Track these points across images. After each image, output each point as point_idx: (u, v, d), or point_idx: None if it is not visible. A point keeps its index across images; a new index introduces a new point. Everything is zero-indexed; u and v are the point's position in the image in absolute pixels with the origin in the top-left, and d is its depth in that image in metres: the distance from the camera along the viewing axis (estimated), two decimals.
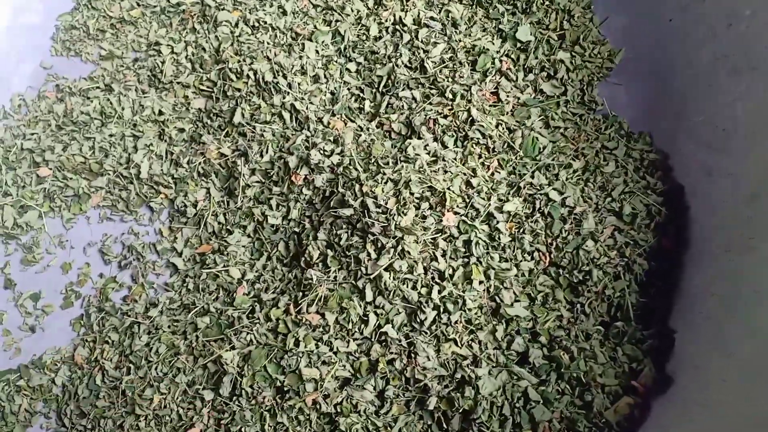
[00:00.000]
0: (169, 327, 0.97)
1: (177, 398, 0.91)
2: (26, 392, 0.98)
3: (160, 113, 1.12)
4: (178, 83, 1.14)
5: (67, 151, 1.11)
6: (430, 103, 0.97)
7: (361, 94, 1.06)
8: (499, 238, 0.84)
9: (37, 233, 1.11)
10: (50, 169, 1.11)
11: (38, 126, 1.16)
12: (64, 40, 1.25)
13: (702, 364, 0.69)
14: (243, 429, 0.86)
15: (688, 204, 0.83)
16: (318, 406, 0.84)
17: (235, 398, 0.88)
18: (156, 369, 0.93)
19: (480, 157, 0.92)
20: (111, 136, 1.11)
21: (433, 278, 0.84)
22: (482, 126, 0.92)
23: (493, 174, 0.90)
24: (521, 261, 0.84)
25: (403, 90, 1.00)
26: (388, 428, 0.81)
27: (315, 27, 1.11)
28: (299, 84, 1.05)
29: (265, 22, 1.13)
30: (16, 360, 1.02)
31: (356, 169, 0.93)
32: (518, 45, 1.00)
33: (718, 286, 0.72)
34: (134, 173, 1.08)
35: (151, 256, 1.06)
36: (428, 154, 0.93)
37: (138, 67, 1.18)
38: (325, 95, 1.06)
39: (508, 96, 0.96)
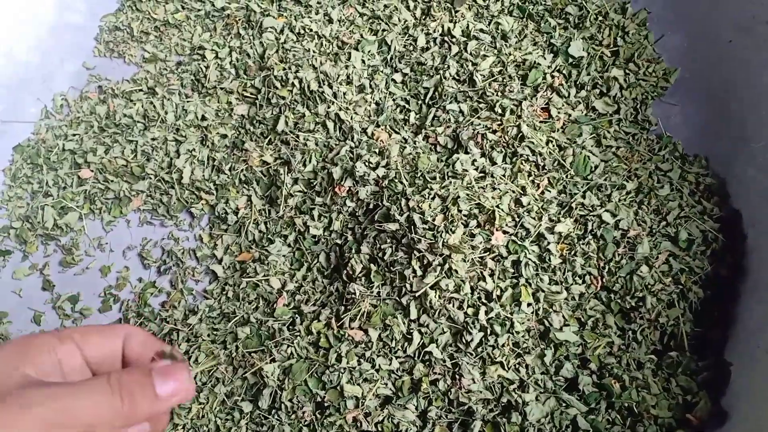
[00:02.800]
0: (208, 335, 0.96)
1: (215, 408, 0.90)
2: None
3: (203, 118, 1.12)
4: (221, 89, 1.13)
5: (109, 154, 1.11)
6: (479, 117, 0.95)
7: (407, 106, 1.04)
8: (549, 260, 0.83)
9: (76, 235, 1.11)
10: (92, 170, 1.11)
11: (80, 127, 1.16)
12: (107, 41, 1.25)
13: (760, 402, 0.67)
14: None
15: (745, 232, 0.81)
16: (359, 424, 0.83)
17: (274, 411, 0.87)
18: (195, 378, 0.93)
19: (530, 174, 0.90)
20: (153, 139, 1.11)
21: (480, 298, 0.82)
22: (532, 143, 0.91)
23: (543, 192, 0.88)
24: (572, 284, 0.82)
25: (450, 103, 0.99)
26: None
27: (361, 36, 1.10)
28: (344, 93, 1.04)
29: (311, 30, 1.12)
30: None
31: (402, 183, 0.92)
32: (570, 60, 0.98)
33: None
34: (176, 178, 1.08)
35: (190, 262, 1.06)
36: (476, 170, 0.91)
37: (181, 71, 1.18)
38: (370, 106, 1.05)
39: (559, 112, 0.94)
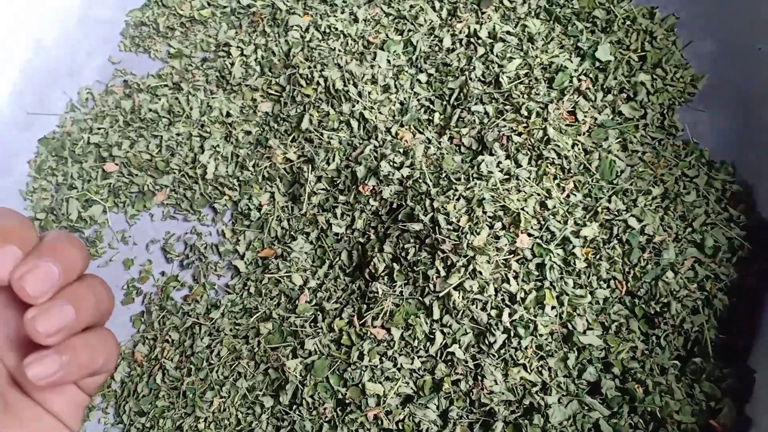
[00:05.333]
0: (231, 330, 0.97)
1: (237, 403, 0.91)
2: None
3: (228, 115, 1.12)
4: (246, 86, 1.14)
5: (134, 148, 1.11)
6: (504, 120, 0.95)
7: (431, 106, 1.04)
8: (574, 264, 0.83)
9: (100, 228, 1.12)
10: (116, 164, 1.12)
11: (105, 121, 1.17)
12: (133, 36, 1.26)
13: None
14: None
15: None
16: (379, 422, 0.83)
17: (295, 407, 0.88)
18: (217, 372, 0.93)
19: (555, 177, 0.90)
20: (178, 135, 1.11)
21: (503, 300, 0.83)
22: (558, 146, 0.91)
23: (568, 196, 0.88)
24: (596, 288, 0.82)
25: (475, 104, 0.99)
26: None
27: (387, 36, 1.10)
28: (369, 93, 1.05)
29: (337, 29, 1.12)
30: None
31: (426, 183, 0.92)
32: (597, 64, 0.98)
33: None
34: (200, 173, 1.08)
35: (212, 257, 1.07)
36: (501, 171, 0.91)
37: (206, 68, 1.18)
38: (394, 105, 1.05)
39: (585, 116, 0.94)
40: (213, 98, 1.14)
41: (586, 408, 0.76)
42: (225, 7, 1.22)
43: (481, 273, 0.83)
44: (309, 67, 1.08)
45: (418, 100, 1.05)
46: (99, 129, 1.16)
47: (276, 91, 1.12)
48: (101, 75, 1.25)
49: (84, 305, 0.38)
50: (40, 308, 0.36)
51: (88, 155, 1.14)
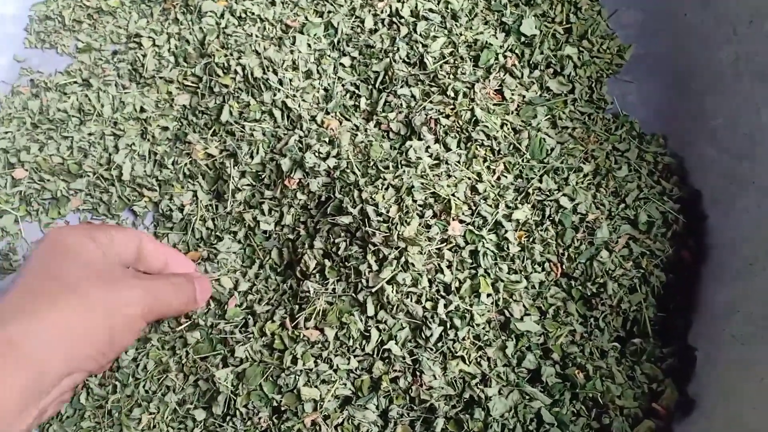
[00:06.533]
0: (158, 340, 0.91)
1: (167, 418, 0.86)
2: None
3: (142, 110, 1.06)
4: (160, 78, 1.07)
5: (43, 152, 1.04)
6: (431, 102, 0.92)
7: (357, 91, 1.00)
8: (507, 248, 0.80)
9: (13, 239, 1.04)
10: (26, 170, 1.04)
11: (12, 124, 1.08)
12: (38, 31, 1.18)
13: (729, 388, 0.65)
14: None
15: (706, 213, 0.79)
16: (318, 428, 0.79)
17: (228, 418, 0.83)
18: (144, 387, 0.88)
19: (485, 160, 0.87)
20: (90, 134, 1.04)
21: (438, 291, 0.79)
22: (486, 126, 0.87)
23: (499, 178, 0.86)
24: (531, 272, 0.80)
25: (401, 87, 0.95)
26: None
27: (306, 18, 1.05)
28: (290, 80, 0.99)
29: (253, 13, 1.06)
30: None
31: (354, 174, 0.88)
32: (522, 39, 0.95)
33: (744, 303, 0.68)
34: (116, 175, 1.02)
35: None
36: (430, 156, 0.88)
37: (117, 61, 1.11)
38: (318, 92, 1.00)
39: (512, 94, 0.91)
40: (126, 93, 1.07)
41: (527, 398, 0.74)
42: None
43: (413, 264, 0.79)
44: (225, 56, 1.02)
45: (343, 85, 1.01)
46: (6, 133, 1.08)
47: (192, 82, 1.06)
48: (7, 75, 1.16)
49: None
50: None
51: None
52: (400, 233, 0.80)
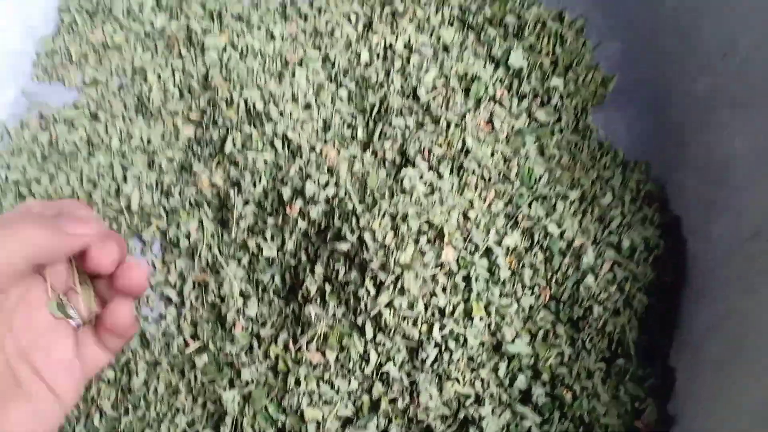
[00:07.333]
0: (168, 364, 0.95)
1: None
2: None
3: (149, 142, 1.10)
4: (166, 110, 1.12)
5: (54, 183, 1.08)
6: (424, 131, 0.96)
7: (354, 122, 1.04)
8: (498, 273, 0.84)
9: None
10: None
11: (22, 156, 1.13)
12: (45, 65, 1.22)
13: (706, 407, 0.69)
14: None
15: (685, 237, 0.83)
16: None
17: None
18: (155, 409, 0.92)
19: (476, 188, 0.91)
20: (99, 166, 1.09)
21: (433, 315, 0.84)
22: (477, 155, 0.92)
23: (490, 205, 0.90)
24: (522, 296, 0.84)
25: (396, 117, 0.99)
26: None
27: (305, 53, 1.10)
28: (291, 112, 1.04)
29: (254, 48, 1.11)
30: None
31: (352, 201, 0.93)
32: (511, 71, 0.99)
33: (721, 325, 0.72)
34: (124, 204, 1.06)
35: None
36: (424, 184, 0.92)
37: (124, 94, 1.16)
38: (317, 123, 1.05)
39: (502, 124, 0.95)
40: (132, 126, 1.12)
41: (519, 417, 0.78)
42: (138, 31, 1.20)
43: (409, 289, 0.84)
44: (228, 89, 1.07)
45: (341, 116, 1.05)
46: (16, 165, 1.12)
47: (197, 114, 1.11)
48: (16, 108, 1.21)
49: None
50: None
51: (7, 193, 1.10)
52: (397, 259, 0.84)
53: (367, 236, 0.87)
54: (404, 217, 0.87)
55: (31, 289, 0.44)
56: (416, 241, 0.86)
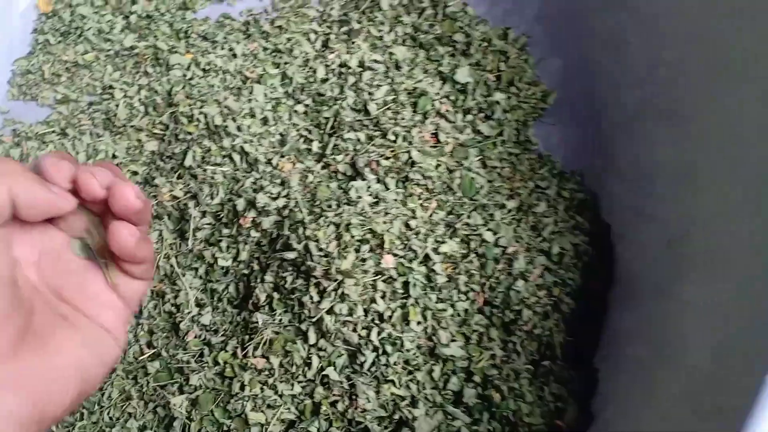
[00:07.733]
0: (122, 370, 0.98)
1: None
2: None
3: (114, 156, 1.14)
4: (131, 126, 1.16)
5: None
6: (374, 145, 1.00)
7: (309, 136, 1.08)
8: (435, 279, 0.87)
9: None
10: None
11: None
12: (20, 84, 1.27)
13: (622, 404, 0.72)
14: None
15: (613, 243, 0.86)
16: None
17: None
18: (108, 414, 0.95)
19: (420, 198, 0.94)
20: None
21: (372, 320, 0.86)
22: (422, 167, 0.95)
23: (432, 215, 0.93)
24: (457, 301, 0.87)
25: (348, 132, 1.03)
26: None
27: (264, 69, 1.14)
28: (248, 127, 1.08)
29: (216, 65, 1.15)
30: None
31: (301, 212, 0.96)
32: (457, 86, 1.03)
33: (643, 328, 0.75)
34: None
35: None
36: (370, 195, 0.95)
37: (92, 111, 1.20)
38: (274, 137, 1.09)
39: (447, 137, 0.99)
40: (99, 141, 1.16)
41: (450, 417, 0.81)
42: (108, 50, 1.25)
43: (349, 296, 0.86)
44: (189, 105, 1.11)
45: (297, 130, 1.09)
46: None
47: (160, 130, 1.15)
48: None
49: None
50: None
51: None
52: (338, 267, 0.87)
53: (311, 245, 0.90)
54: (347, 226, 0.90)
55: (53, 237, 0.45)
56: (357, 249, 0.89)
